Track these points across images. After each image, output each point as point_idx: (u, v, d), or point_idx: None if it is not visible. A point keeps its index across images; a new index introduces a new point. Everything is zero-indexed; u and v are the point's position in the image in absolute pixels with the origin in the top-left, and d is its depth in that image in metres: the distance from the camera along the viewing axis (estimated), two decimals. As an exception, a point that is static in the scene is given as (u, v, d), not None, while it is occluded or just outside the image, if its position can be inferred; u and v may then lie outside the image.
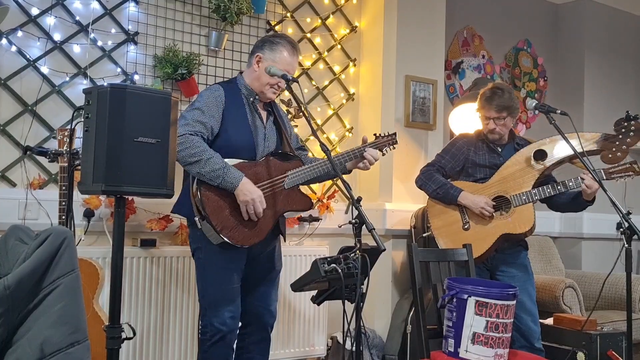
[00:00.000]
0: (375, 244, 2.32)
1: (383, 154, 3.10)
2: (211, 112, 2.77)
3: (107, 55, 3.47)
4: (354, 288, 2.38)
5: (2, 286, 1.49)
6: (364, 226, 2.36)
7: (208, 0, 3.71)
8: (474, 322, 2.53)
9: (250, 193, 2.71)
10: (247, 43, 3.94)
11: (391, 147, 3.14)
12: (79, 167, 2.11)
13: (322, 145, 2.53)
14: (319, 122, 4.24)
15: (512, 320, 2.60)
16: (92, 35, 3.42)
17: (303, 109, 2.94)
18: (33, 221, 3.16)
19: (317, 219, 4.07)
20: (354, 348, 2.40)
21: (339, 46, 4.33)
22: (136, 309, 3.35)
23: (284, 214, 2.90)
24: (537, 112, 3.18)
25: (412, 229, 4.14)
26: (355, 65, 4.41)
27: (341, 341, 3.89)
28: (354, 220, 2.39)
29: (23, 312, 1.54)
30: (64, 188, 2.69)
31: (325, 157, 2.65)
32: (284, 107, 3.82)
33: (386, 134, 3.15)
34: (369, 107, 4.37)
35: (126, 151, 2.00)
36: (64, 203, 2.69)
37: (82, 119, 2.06)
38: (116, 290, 2.06)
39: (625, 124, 3.27)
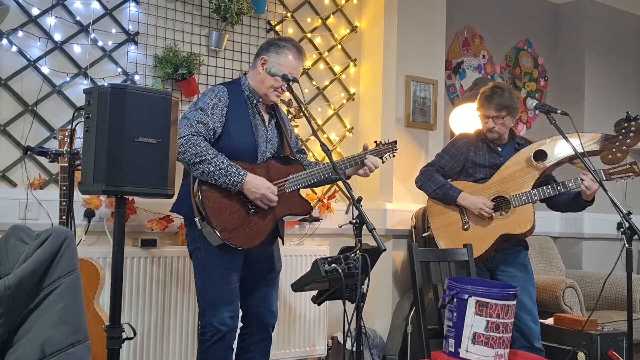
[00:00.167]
0: (376, 244, 2.32)
1: (383, 162, 3.10)
2: (214, 114, 2.77)
3: (108, 55, 3.47)
4: (355, 288, 2.37)
5: (2, 286, 1.50)
6: (364, 226, 2.36)
7: (208, 0, 3.71)
8: (474, 322, 2.53)
9: (258, 189, 2.72)
10: (247, 43, 3.94)
11: (391, 155, 3.14)
12: (80, 167, 2.11)
13: (322, 145, 2.53)
14: (320, 122, 4.25)
15: (512, 320, 2.60)
16: (92, 36, 3.42)
17: (303, 109, 2.94)
18: (33, 221, 3.16)
19: (317, 219, 4.07)
20: (354, 348, 2.40)
21: (339, 46, 4.34)
22: (137, 309, 3.35)
23: (283, 218, 2.91)
24: (537, 112, 3.17)
25: (413, 229, 4.14)
26: (355, 65, 4.41)
27: (342, 341, 3.89)
28: (354, 220, 2.39)
29: (24, 312, 1.54)
30: (64, 188, 2.69)
31: (325, 160, 2.65)
32: (284, 107, 3.82)
33: (387, 141, 3.15)
34: (370, 107, 4.37)
35: (127, 151, 2.00)
36: (64, 203, 2.69)
37: (83, 119, 2.06)
38: (117, 290, 2.06)
39: (626, 124, 3.26)
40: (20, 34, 3.24)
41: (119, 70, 3.50)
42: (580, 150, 3.07)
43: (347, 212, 4.23)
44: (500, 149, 3.46)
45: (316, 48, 4.23)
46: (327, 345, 4.07)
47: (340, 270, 2.35)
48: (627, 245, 2.77)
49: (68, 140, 2.71)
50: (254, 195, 2.72)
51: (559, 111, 3.08)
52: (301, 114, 3.92)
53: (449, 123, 4.55)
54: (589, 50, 5.57)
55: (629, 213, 2.84)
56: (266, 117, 2.96)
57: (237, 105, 2.85)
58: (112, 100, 1.99)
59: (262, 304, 2.96)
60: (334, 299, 2.54)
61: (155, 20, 3.62)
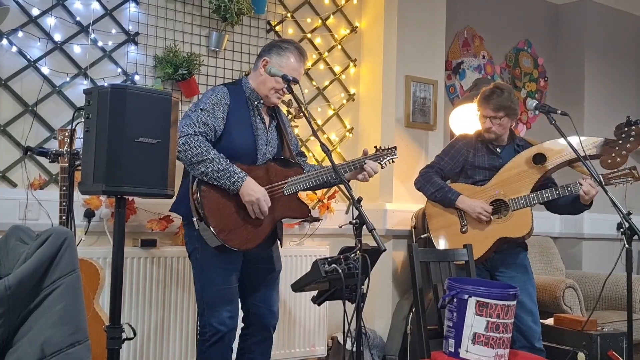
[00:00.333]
0: (376, 244, 2.32)
1: (382, 167, 3.10)
2: (215, 114, 2.77)
3: (108, 55, 3.47)
4: (355, 288, 2.37)
5: (2, 286, 1.50)
6: (364, 226, 2.36)
7: (208, 0, 3.71)
8: (474, 323, 2.53)
9: (254, 192, 2.71)
10: (247, 43, 3.94)
11: (391, 160, 3.13)
12: (80, 168, 2.11)
13: (322, 146, 2.53)
14: (320, 122, 4.25)
15: (512, 320, 2.60)
16: (92, 36, 3.42)
17: (303, 109, 2.94)
18: (34, 221, 3.16)
19: (317, 219, 4.07)
20: (354, 348, 2.40)
21: (339, 46, 4.34)
22: (137, 309, 3.35)
23: (281, 220, 2.91)
24: (537, 112, 3.17)
25: (413, 229, 4.14)
26: (355, 65, 4.41)
27: (342, 341, 3.89)
28: (354, 221, 2.39)
29: (24, 312, 1.54)
30: (64, 188, 2.69)
31: (325, 161, 2.65)
32: (284, 108, 3.82)
33: (386, 147, 3.15)
34: (370, 107, 4.37)
35: (126, 151, 2.00)
36: (64, 203, 2.69)
37: (83, 120, 2.06)
38: (117, 291, 2.06)
39: (626, 129, 3.26)
40: (20, 34, 3.24)
41: (119, 70, 3.50)
42: (580, 153, 3.07)
43: (347, 213, 4.23)
44: (499, 151, 3.46)
45: (316, 48, 4.23)
46: (327, 346, 4.07)
47: (340, 271, 2.35)
48: (627, 246, 2.77)
49: (68, 140, 2.71)
50: (249, 198, 2.71)
51: (559, 111, 3.08)
52: (301, 114, 3.92)
53: (448, 123, 4.55)
54: (589, 50, 5.57)
55: (629, 213, 2.84)
56: (267, 118, 2.96)
57: (238, 106, 2.85)
58: (112, 101, 1.99)
59: (262, 305, 2.96)
60: (334, 299, 2.54)
61: (155, 20, 3.62)
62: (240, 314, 2.93)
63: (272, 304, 2.98)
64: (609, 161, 3.23)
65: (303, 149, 3.84)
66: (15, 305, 1.52)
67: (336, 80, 4.34)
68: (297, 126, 4.00)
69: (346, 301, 2.41)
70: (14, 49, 3.23)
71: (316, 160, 4.12)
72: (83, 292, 1.64)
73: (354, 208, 2.40)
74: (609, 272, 3.27)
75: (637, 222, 2.80)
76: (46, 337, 1.52)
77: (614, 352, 3.49)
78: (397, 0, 4.29)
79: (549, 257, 4.99)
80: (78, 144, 2.61)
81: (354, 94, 4.40)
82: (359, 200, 2.41)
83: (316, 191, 4.12)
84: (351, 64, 4.39)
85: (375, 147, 3.15)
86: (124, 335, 2.07)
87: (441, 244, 3.41)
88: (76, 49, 3.38)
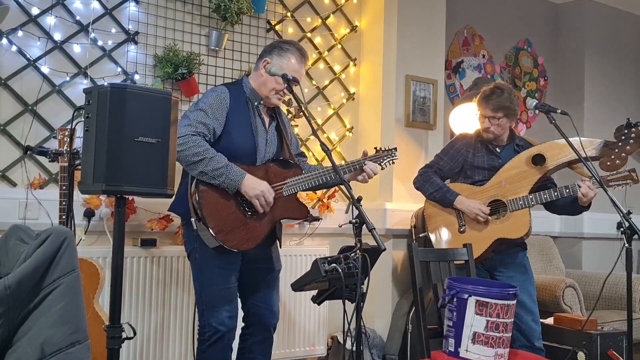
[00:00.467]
0: (376, 244, 2.32)
1: (382, 168, 3.10)
2: (215, 114, 2.76)
3: (108, 55, 3.47)
4: (354, 288, 2.37)
5: (2, 286, 1.50)
6: (364, 226, 2.36)
7: (208, 0, 3.71)
8: (474, 322, 2.53)
9: (257, 186, 2.72)
10: (247, 43, 3.94)
11: (391, 162, 3.13)
12: (79, 167, 2.11)
13: (322, 145, 2.53)
14: (319, 121, 4.24)
15: (512, 319, 2.60)
16: (92, 35, 3.42)
17: (303, 108, 2.94)
18: (33, 221, 3.16)
19: (317, 219, 4.07)
20: (354, 348, 2.40)
21: (339, 46, 4.33)
22: (136, 309, 3.35)
23: (280, 221, 2.90)
24: (537, 111, 3.17)
25: (413, 229, 4.13)
26: (355, 64, 4.41)
27: (341, 341, 3.89)
28: (354, 220, 2.39)
29: (23, 312, 1.54)
30: (64, 188, 2.69)
31: (325, 160, 2.65)
32: (284, 107, 3.82)
33: (387, 148, 3.15)
34: (369, 106, 4.37)
35: (126, 151, 1.99)
36: (64, 203, 2.69)
37: (83, 119, 2.05)
38: (116, 290, 2.06)
39: (626, 131, 3.26)
40: (20, 33, 3.24)
41: (119, 69, 3.50)
42: (581, 154, 3.07)
43: (347, 212, 4.23)
44: (499, 151, 3.46)
45: (316, 48, 4.23)
46: (327, 345, 4.07)
47: (340, 270, 2.35)
48: (627, 245, 2.77)
49: (68, 139, 2.70)
50: (253, 192, 2.71)
51: (559, 111, 3.08)
52: (301, 113, 3.92)
53: (448, 123, 4.55)
54: (589, 50, 5.57)
55: (629, 213, 2.84)
56: (267, 119, 2.96)
57: (238, 106, 2.84)
58: (111, 100, 1.99)
59: (263, 305, 2.95)
60: (334, 299, 2.54)
61: (155, 19, 3.62)
62: (241, 313, 2.93)
63: (272, 304, 2.98)
64: (609, 163, 3.22)
65: (303, 148, 3.84)
66: (15, 304, 1.52)
67: (336, 80, 4.33)
68: (297, 125, 4.00)
69: (346, 301, 2.41)
70: (14, 48, 3.23)
71: (316, 159, 4.12)
72: (83, 292, 1.64)
73: (354, 207, 2.39)
74: (609, 272, 3.27)
75: (637, 222, 2.80)
76: (46, 336, 1.52)
77: (613, 352, 3.49)
78: (397, 0, 4.29)
79: (548, 256, 4.99)
80: (78, 143, 2.61)
81: (353, 94, 4.40)
82: (359, 199, 2.40)
83: (316, 191, 4.13)
84: (351, 63, 4.39)
85: (375, 148, 3.15)
86: (123, 335, 2.07)
87: (439, 244, 3.41)
88: (76, 48, 3.38)
